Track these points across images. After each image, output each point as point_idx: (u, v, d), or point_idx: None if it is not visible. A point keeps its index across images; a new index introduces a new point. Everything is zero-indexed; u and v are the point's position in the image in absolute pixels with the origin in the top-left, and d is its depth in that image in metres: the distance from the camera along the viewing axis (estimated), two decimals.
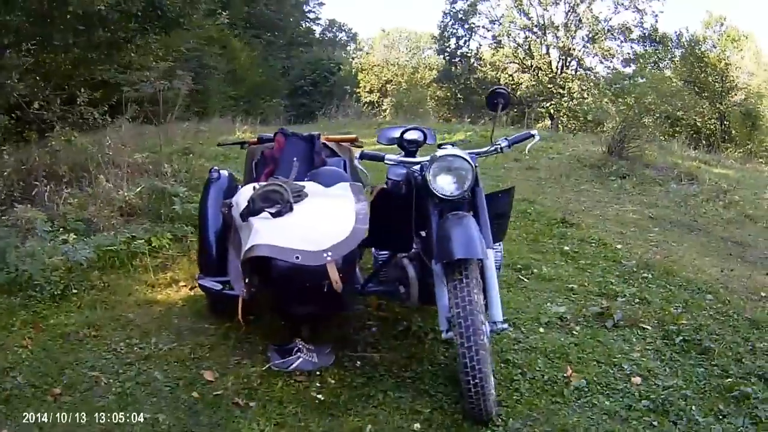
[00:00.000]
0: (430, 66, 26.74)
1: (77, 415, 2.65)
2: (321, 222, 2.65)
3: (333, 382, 2.88)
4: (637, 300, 3.85)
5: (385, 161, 2.87)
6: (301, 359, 2.94)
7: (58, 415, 2.65)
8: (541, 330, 3.41)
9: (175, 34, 8.09)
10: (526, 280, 4.18)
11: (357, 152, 3.27)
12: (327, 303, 2.75)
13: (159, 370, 3.04)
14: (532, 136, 2.95)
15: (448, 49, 25.80)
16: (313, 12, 30.27)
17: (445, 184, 2.66)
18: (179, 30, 8.12)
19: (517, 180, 7.59)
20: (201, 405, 2.74)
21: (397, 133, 3.82)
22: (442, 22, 25.48)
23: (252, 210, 2.78)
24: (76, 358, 3.12)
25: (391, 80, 27.11)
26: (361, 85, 24.61)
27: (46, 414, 2.65)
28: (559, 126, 18.25)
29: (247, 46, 22.92)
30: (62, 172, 5.85)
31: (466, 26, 25.21)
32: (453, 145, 2.95)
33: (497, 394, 2.68)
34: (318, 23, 31.16)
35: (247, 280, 2.69)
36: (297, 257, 2.48)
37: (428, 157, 2.77)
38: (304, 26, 29.63)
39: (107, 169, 5.67)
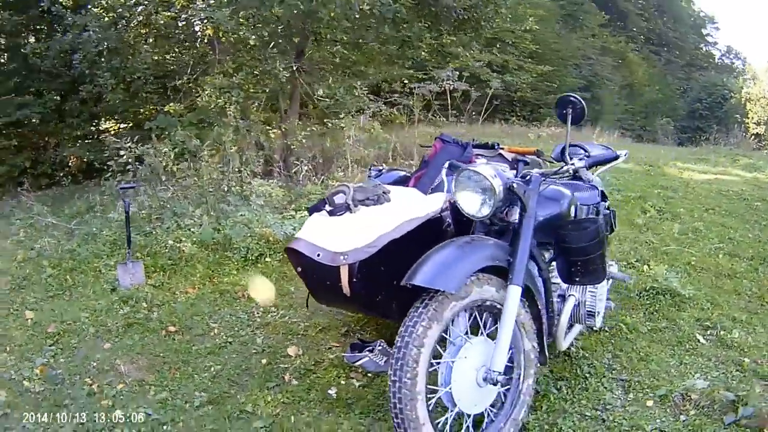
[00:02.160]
0: None
1: (174, 346, 3.39)
2: (358, 226, 2.70)
3: (362, 384, 2.95)
4: None
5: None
6: (366, 359, 3.04)
7: (155, 343, 3.42)
8: (648, 403, 2.76)
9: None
10: (702, 341, 3.40)
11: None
12: (351, 302, 2.78)
13: (264, 336, 3.55)
14: (617, 156, 2.42)
15: None
16: (711, 36, 31.28)
17: (467, 202, 2.43)
18: (479, 32, 8.26)
19: None
20: (257, 370, 3.14)
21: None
22: None
23: (316, 207, 3.00)
24: (212, 311, 3.86)
25: None
26: (749, 116, 23.40)
27: (146, 341, 3.45)
28: None
29: (645, 62, 23.56)
30: (327, 156, 6.94)
31: None
32: (525, 163, 2.65)
33: None
34: (717, 48, 32.37)
35: (299, 269, 2.91)
36: (318, 254, 2.60)
37: None
38: (704, 49, 30.75)
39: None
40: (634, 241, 4.91)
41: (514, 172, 2.86)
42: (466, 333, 2.36)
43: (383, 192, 2.99)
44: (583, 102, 2.57)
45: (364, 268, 2.58)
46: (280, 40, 6.40)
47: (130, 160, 5.48)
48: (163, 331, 3.57)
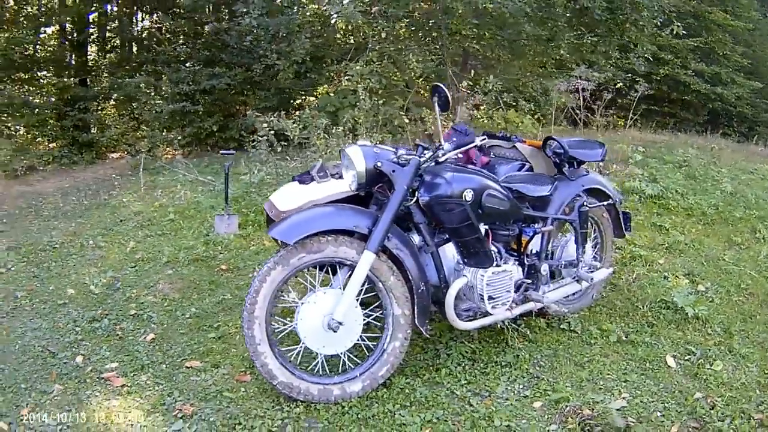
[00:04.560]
0: None
1: (213, 278, 4.36)
2: (306, 192, 3.31)
3: None
4: None
5: None
6: None
7: (202, 274, 4.42)
8: (535, 404, 2.82)
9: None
10: (671, 365, 3.23)
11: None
12: None
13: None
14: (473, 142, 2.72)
15: None
16: None
17: (347, 177, 2.92)
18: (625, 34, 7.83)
19: None
20: None
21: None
22: None
23: (295, 176, 3.69)
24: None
25: None
26: None
27: (198, 272, 4.48)
28: None
29: None
30: None
31: None
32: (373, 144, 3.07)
33: None
34: None
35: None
36: (273, 211, 3.32)
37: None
38: None
39: None
40: (703, 255, 4.61)
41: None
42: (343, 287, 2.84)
43: None
44: (446, 91, 2.89)
45: None
46: (420, 34, 7.06)
47: (271, 132, 6.76)
48: (216, 268, 4.60)
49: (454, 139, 4.04)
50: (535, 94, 7.81)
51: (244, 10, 7.28)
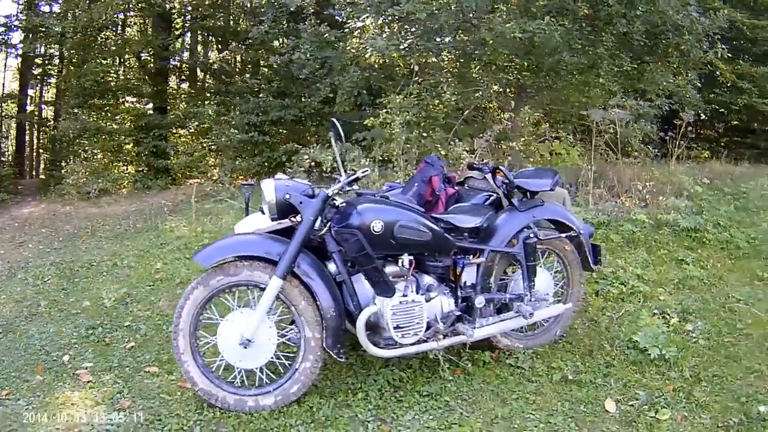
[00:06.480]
0: None
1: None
2: (258, 222, 3.68)
3: None
4: None
5: None
6: None
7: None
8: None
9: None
10: (609, 410, 3.24)
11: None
12: None
13: None
14: (356, 174, 3.23)
15: None
16: None
17: (264, 208, 3.36)
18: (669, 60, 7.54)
19: None
20: None
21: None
22: None
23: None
24: None
25: None
26: None
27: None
28: None
29: None
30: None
31: None
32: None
33: None
34: None
35: None
36: None
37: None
38: None
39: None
40: (714, 292, 4.63)
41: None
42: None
43: None
44: (337, 124, 3.36)
45: None
46: (456, 66, 7.36)
47: (311, 163, 7.39)
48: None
49: (424, 170, 4.40)
50: (585, 124, 7.81)
51: (296, 44, 7.99)
